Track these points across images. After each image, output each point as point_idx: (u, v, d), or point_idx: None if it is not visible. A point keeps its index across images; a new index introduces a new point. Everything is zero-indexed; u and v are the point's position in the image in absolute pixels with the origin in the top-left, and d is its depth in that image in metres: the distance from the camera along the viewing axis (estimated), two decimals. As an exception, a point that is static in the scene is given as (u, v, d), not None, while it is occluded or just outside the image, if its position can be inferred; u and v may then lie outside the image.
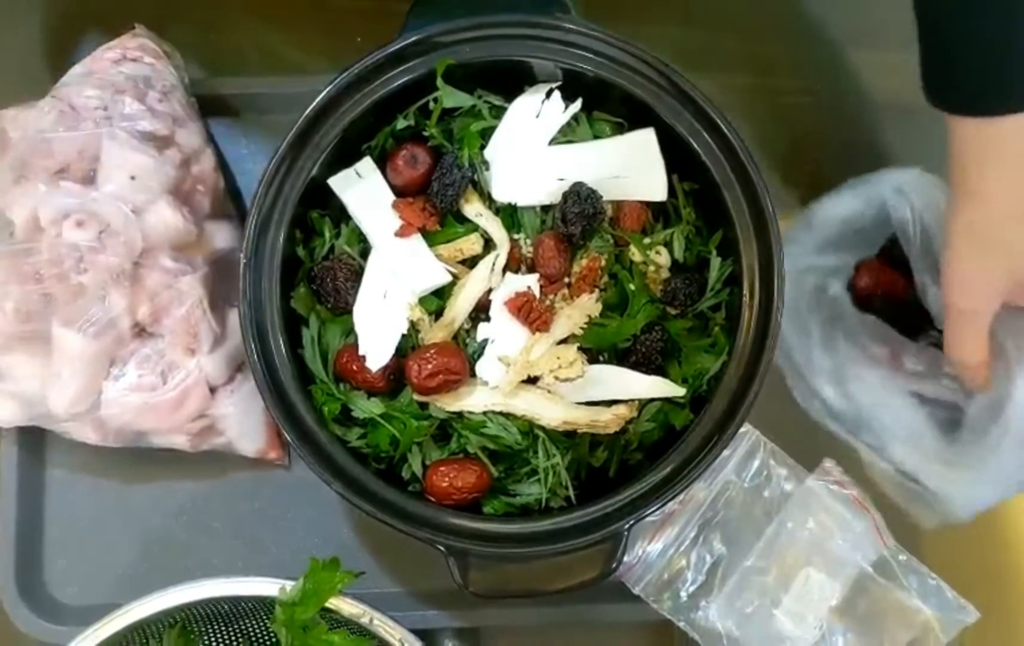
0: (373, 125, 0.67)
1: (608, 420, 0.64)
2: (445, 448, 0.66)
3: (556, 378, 0.64)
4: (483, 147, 0.67)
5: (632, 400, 0.65)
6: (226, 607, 0.62)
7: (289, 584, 0.58)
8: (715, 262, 0.66)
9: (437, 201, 0.66)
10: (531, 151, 0.67)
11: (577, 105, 0.68)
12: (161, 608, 0.58)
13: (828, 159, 0.73)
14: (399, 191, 0.68)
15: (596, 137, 0.69)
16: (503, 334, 0.65)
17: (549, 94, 0.67)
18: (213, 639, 0.64)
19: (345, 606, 0.58)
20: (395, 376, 0.65)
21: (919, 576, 0.72)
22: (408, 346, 0.65)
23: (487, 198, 0.68)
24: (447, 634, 0.74)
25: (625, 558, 0.69)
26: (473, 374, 0.65)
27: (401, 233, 0.66)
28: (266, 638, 0.66)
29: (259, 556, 0.73)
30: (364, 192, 0.67)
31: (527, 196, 0.67)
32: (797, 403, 0.73)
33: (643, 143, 0.67)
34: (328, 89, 0.63)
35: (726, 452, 0.69)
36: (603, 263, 0.67)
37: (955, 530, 0.69)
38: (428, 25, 0.64)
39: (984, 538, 0.76)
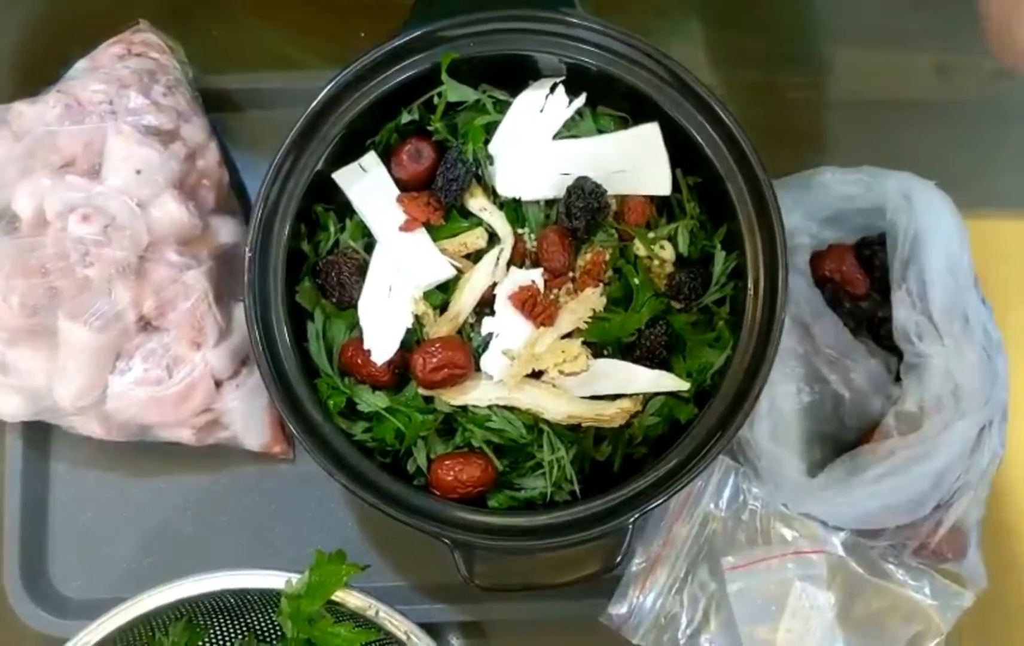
0: (377, 120, 0.67)
1: (613, 414, 0.64)
2: (450, 442, 0.66)
3: (561, 372, 0.64)
4: (487, 142, 0.67)
5: (636, 394, 0.65)
6: (232, 600, 0.62)
7: (295, 577, 0.58)
8: (719, 256, 0.66)
9: (441, 196, 0.66)
10: (535, 146, 0.67)
11: (581, 100, 0.68)
12: (168, 601, 0.58)
13: (829, 156, 0.73)
14: (403, 186, 0.68)
15: (600, 132, 0.69)
16: (507, 328, 0.65)
17: (553, 89, 0.67)
18: (218, 632, 0.64)
19: (351, 599, 0.58)
20: (400, 370, 0.65)
21: (908, 569, 0.72)
22: (413, 340, 0.65)
23: (491, 193, 0.68)
24: (451, 628, 0.74)
25: (621, 610, 0.70)
26: (478, 368, 0.65)
27: (405, 228, 0.66)
28: (271, 631, 0.66)
29: (264, 550, 0.74)
30: (368, 187, 0.67)
31: (531, 191, 0.67)
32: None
33: (647, 137, 0.67)
34: (333, 84, 0.63)
35: (699, 483, 0.70)
36: (607, 257, 0.67)
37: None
38: (432, 20, 0.64)
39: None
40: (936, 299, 0.67)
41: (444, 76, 0.65)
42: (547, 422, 0.64)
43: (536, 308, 0.65)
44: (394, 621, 0.58)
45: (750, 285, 0.64)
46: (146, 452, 0.73)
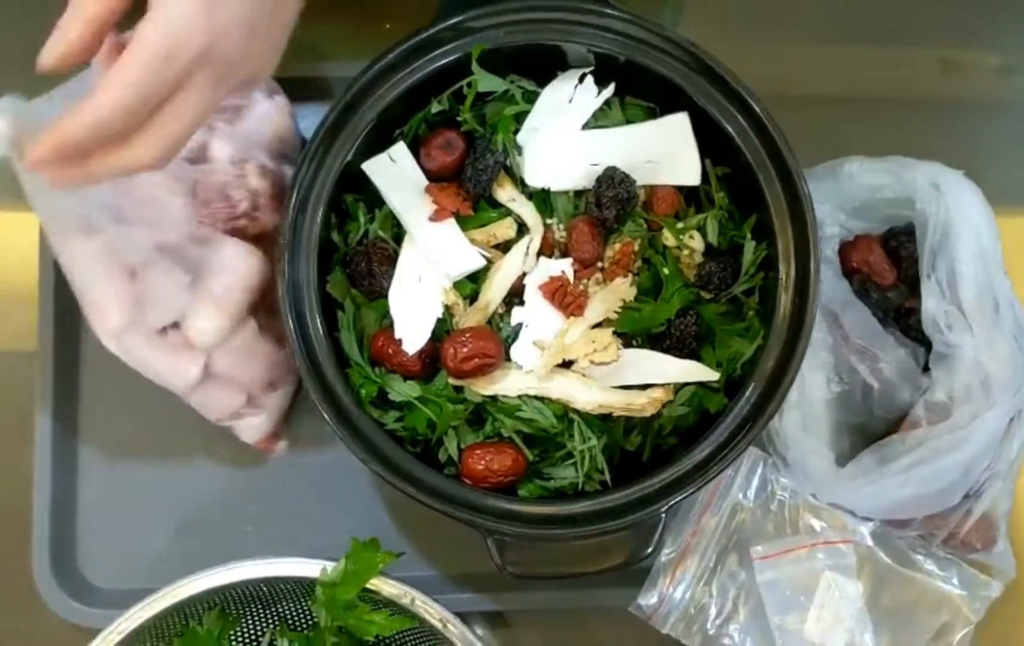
0: (406, 111, 0.67)
1: (644, 404, 0.64)
2: (479, 431, 0.66)
3: (591, 362, 0.64)
4: (516, 132, 0.68)
5: (668, 384, 0.65)
6: (264, 589, 0.62)
7: (330, 565, 0.58)
8: (749, 246, 0.66)
9: (470, 186, 0.66)
10: (564, 136, 0.67)
11: (610, 90, 0.68)
12: (202, 589, 0.58)
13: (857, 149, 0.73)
14: (432, 176, 0.68)
15: (628, 121, 0.69)
16: (537, 318, 0.65)
17: (582, 79, 0.67)
18: (251, 621, 0.65)
19: (385, 587, 0.58)
20: (430, 360, 0.65)
21: (937, 559, 0.72)
22: (442, 330, 0.65)
23: (520, 183, 0.68)
24: (475, 618, 0.74)
25: (651, 600, 0.70)
26: (507, 358, 0.65)
27: (435, 218, 0.66)
28: (302, 619, 0.66)
29: (293, 538, 0.73)
30: (398, 177, 0.67)
31: (560, 181, 0.67)
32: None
33: (677, 127, 0.67)
34: (366, 74, 0.63)
35: (728, 472, 0.70)
36: (636, 248, 0.67)
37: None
38: (461, 10, 0.64)
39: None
40: (966, 289, 0.67)
41: (475, 66, 0.65)
42: (577, 412, 0.64)
43: (566, 298, 0.65)
44: (429, 609, 0.58)
45: (781, 275, 0.64)
46: (175, 440, 0.74)
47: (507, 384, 0.65)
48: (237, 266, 0.63)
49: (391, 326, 0.65)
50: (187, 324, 0.63)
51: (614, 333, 0.65)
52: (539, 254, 0.67)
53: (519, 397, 0.65)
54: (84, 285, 0.63)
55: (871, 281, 0.73)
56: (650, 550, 0.62)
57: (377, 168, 0.67)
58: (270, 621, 0.66)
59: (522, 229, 0.67)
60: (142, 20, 0.47)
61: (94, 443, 0.75)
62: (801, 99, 0.80)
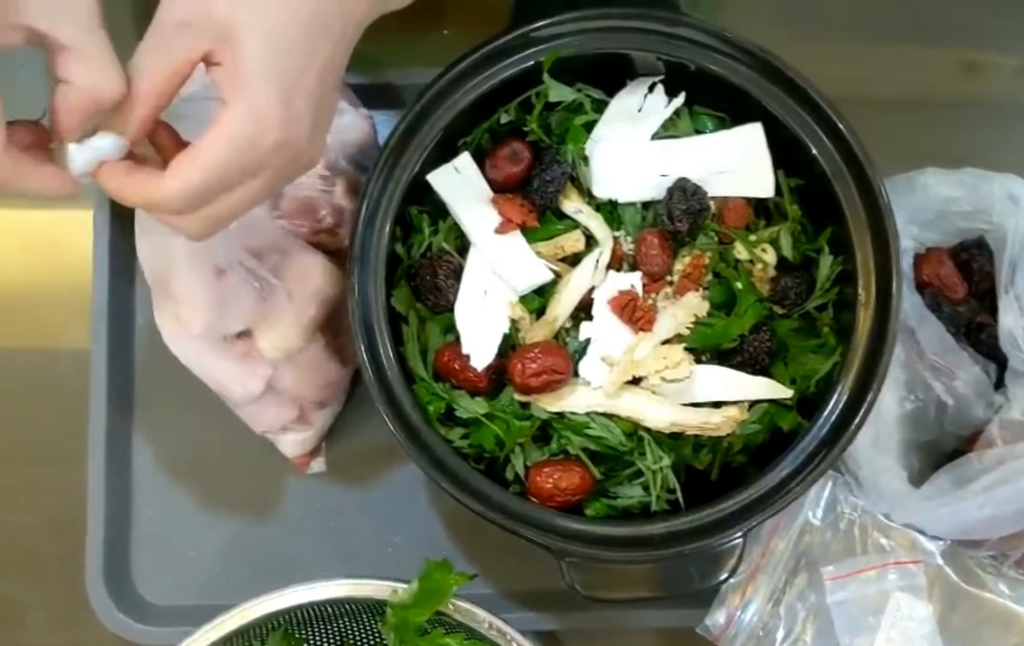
0: (471, 121, 0.66)
1: (720, 422, 0.62)
2: (545, 449, 0.64)
3: (662, 379, 0.62)
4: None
5: (743, 402, 0.63)
6: (329, 609, 0.61)
7: (401, 586, 0.57)
8: (825, 260, 0.64)
9: (537, 197, 0.65)
10: (632, 146, 0.66)
11: (680, 99, 0.66)
12: (274, 609, 0.57)
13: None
14: (497, 187, 0.66)
15: (698, 131, 0.67)
16: (606, 334, 0.64)
17: (652, 88, 0.66)
18: (314, 642, 0.63)
19: (457, 610, 0.57)
20: (496, 375, 0.64)
21: (1009, 580, 0.70)
22: (508, 345, 0.64)
23: (587, 194, 0.67)
24: (531, 637, 0.73)
25: (719, 620, 0.68)
26: (575, 374, 0.64)
27: (501, 229, 0.65)
28: (364, 638, 0.64)
29: (349, 557, 0.72)
30: (463, 188, 0.66)
31: (628, 192, 0.66)
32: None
33: (750, 138, 0.65)
34: (437, 83, 0.62)
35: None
36: (707, 261, 0.65)
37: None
38: (535, 18, 0.63)
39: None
40: (1045, 305, 0.66)
41: (546, 76, 0.64)
42: (647, 430, 0.63)
43: (635, 313, 0.64)
44: (505, 633, 0.56)
45: (860, 292, 0.62)
46: (228, 453, 0.73)
47: (575, 401, 0.63)
48: (315, 278, 0.62)
49: (456, 340, 0.64)
50: (260, 334, 0.61)
51: (684, 349, 0.63)
52: (607, 267, 0.65)
53: (587, 414, 0.63)
54: (174, 278, 0.62)
55: (942, 295, 0.72)
56: (725, 575, 0.60)
57: (442, 179, 0.65)
58: (331, 640, 0.64)
59: (589, 241, 0.66)
60: (221, 107, 0.46)
61: (147, 454, 0.74)
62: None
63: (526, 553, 0.62)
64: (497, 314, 0.64)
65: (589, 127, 0.66)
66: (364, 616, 0.63)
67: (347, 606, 0.61)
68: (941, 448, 0.71)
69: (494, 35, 0.63)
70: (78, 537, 0.70)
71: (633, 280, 0.65)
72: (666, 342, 0.64)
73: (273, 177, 0.49)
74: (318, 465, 0.73)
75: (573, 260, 0.66)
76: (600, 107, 0.67)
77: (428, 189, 0.65)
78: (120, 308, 0.73)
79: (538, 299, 0.65)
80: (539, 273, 0.64)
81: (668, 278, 0.66)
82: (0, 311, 0.77)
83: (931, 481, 0.67)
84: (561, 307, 0.64)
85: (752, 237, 0.66)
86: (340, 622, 0.64)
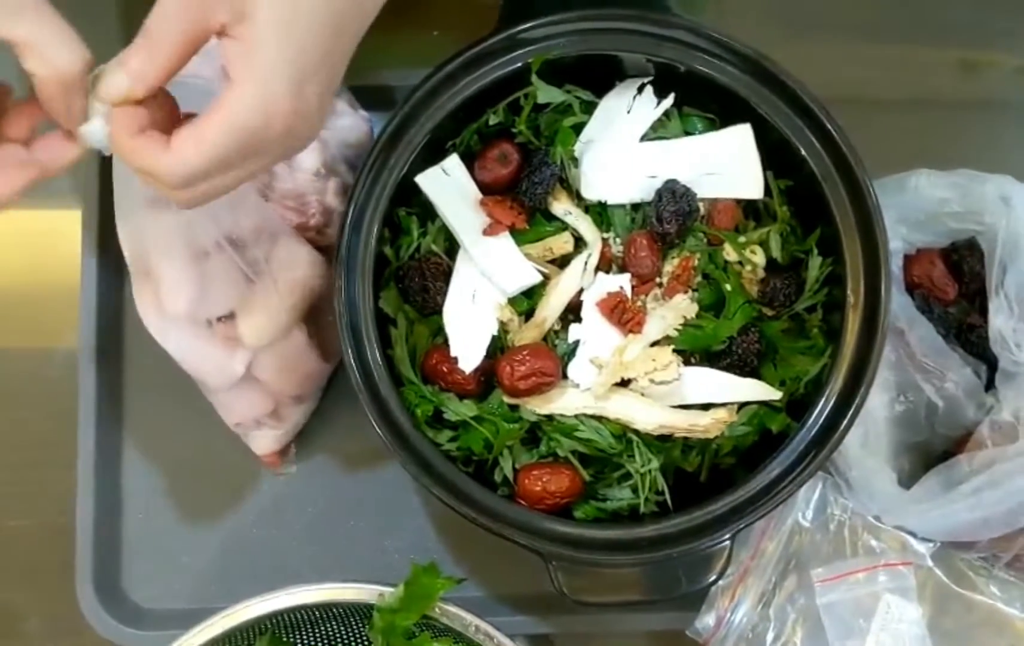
0: (460, 122, 0.66)
1: (708, 424, 0.62)
2: (534, 451, 0.64)
3: (651, 381, 0.62)
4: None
5: (731, 404, 0.63)
6: (317, 612, 0.61)
7: (387, 590, 0.57)
8: (814, 261, 0.64)
9: (526, 199, 0.65)
10: (622, 148, 0.66)
11: (669, 100, 0.66)
12: (260, 613, 0.57)
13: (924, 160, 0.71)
14: (486, 189, 0.66)
15: (687, 133, 0.67)
16: (595, 336, 0.64)
17: (641, 89, 0.66)
18: (301, 644, 0.63)
19: (444, 613, 0.57)
20: (484, 378, 0.64)
21: (1000, 582, 0.70)
22: (496, 347, 0.64)
23: (576, 196, 0.66)
24: (521, 640, 0.73)
25: (708, 622, 0.68)
26: (564, 376, 0.63)
27: (490, 231, 0.65)
28: (353, 642, 0.64)
29: (340, 561, 0.72)
30: (451, 190, 0.65)
31: (617, 194, 0.66)
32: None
33: (739, 139, 0.65)
34: (425, 85, 0.62)
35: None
36: (696, 263, 0.65)
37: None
38: (524, 19, 0.63)
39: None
40: (1035, 306, 0.66)
41: (534, 77, 0.63)
42: (636, 432, 0.63)
43: (624, 315, 0.64)
44: (493, 636, 0.56)
45: (849, 293, 0.62)
46: (222, 459, 0.72)
47: (564, 403, 0.63)
48: (301, 267, 0.62)
49: (444, 343, 0.64)
50: (242, 318, 0.61)
51: (673, 351, 0.63)
52: (596, 269, 0.65)
53: (576, 416, 0.63)
54: (151, 260, 0.61)
55: (933, 297, 0.71)
56: (714, 577, 0.60)
57: (430, 181, 0.65)
58: (319, 643, 0.64)
59: (578, 243, 0.66)
60: (228, 86, 0.45)
61: (137, 458, 0.73)
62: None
63: (515, 556, 0.61)
64: (486, 316, 0.64)
65: (578, 128, 0.66)
66: (352, 619, 0.63)
67: (335, 610, 0.61)
68: (931, 450, 0.71)
69: (482, 37, 0.63)
70: (70, 542, 0.70)
71: (622, 282, 0.64)
72: (655, 344, 0.64)
73: (273, 160, 0.49)
74: (288, 466, 0.73)
75: (562, 262, 0.66)
76: (589, 108, 0.67)
77: (416, 191, 0.65)
78: (109, 309, 0.73)
79: (527, 301, 0.65)
80: (528, 275, 0.64)
81: (657, 280, 0.65)
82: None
83: (921, 483, 0.67)
84: (550, 309, 0.64)
85: (741, 238, 0.66)
86: (328, 625, 0.64)
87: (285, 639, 0.62)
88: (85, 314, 0.72)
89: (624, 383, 0.63)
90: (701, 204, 0.65)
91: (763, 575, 0.68)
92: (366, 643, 0.62)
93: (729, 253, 0.66)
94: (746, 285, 0.66)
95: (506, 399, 0.63)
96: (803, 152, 0.63)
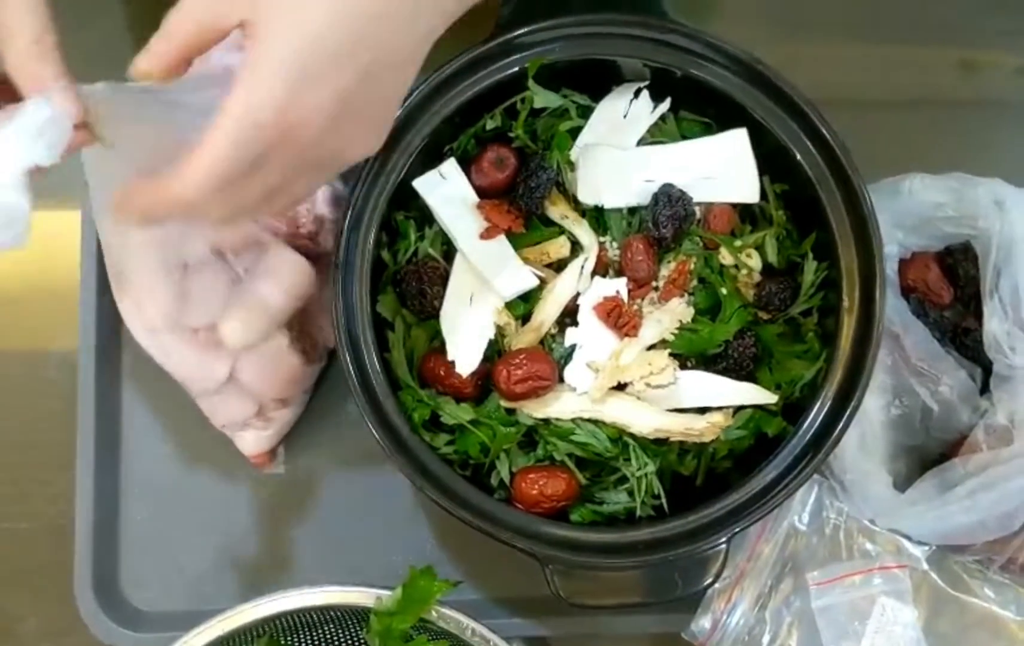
0: (457, 126, 0.66)
1: (703, 428, 0.62)
2: (531, 455, 0.64)
3: (647, 385, 0.63)
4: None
5: (727, 408, 0.63)
6: (315, 615, 0.61)
7: (384, 593, 0.57)
8: (810, 265, 0.64)
9: (523, 203, 0.65)
10: (618, 152, 0.66)
11: (666, 104, 0.66)
12: (258, 616, 0.57)
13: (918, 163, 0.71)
14: (483, 193, 0.66)
15: (684, 137, 0.67)
16: (591, 339, 0.64)
17: (637, 93, 0.66)
18: (299, 647, 0.63)
19: (441, 617, 0.57)
20: (481, 381, 0.64)
21: (994, 585, 0.70)
22: (493, 351, 0.64)
23: (572, 200, 0.67)
24: (517, 642, 0.73)
25: (704, 625, 0.68)
26: (561, 380, 0.64)
27: (487, 235, 0.65)
28: (347, 643, 0.65)
29: (340, 564, 0.72)
30: (448, 194, 0.66)
31: (614, 198, 0.66)
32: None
33: (735, 143, 0.65)
34: (422, 88, 0.62)
35: None
36: (692, 267, 0.65)
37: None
38: (523, 23, 0.63)
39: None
40: (1029, 309, 0.66)
41: (531, 82, 0.64)
42: (632, 436, 0.63)
43: (621, 319, 0.64)
44: (489, 640, 0.56)
45: (844, 298, 0.62)
46: (221, 462, 0.72)
47: (561, 407, 0.63)
48: (289, 274, 0.62)
49: (441, 347, 0.64)
50: (222, 321, 0.61)
51: (669, 354, 0.63)
52: (592, 273, 0.65)
53: (572, 420, 0.63)
54: (131, 271, 0.62)
55: (928, 300, 0.72)
56: (710, 580, 0.61)
57: (427, 185, 0.65)
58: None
59: (575, 247, 0.66)
60: (229, 96, 0.46)
61: (135, 461, 0.73)
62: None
63: (512, 559, 0.62)
64: (483, 320, 0.64)
65: (575, 133, 0.66)
66: (349, 622, 0.63)
67: (332, 613, 0.61)
68: (927, 453, 0.71)
69: (479, 41, 0.63)
70: (68, 543, 0.70)
71: (618, 286, 0.65)
72: (651, 348, 0.64)
73: (282, 171, 0.48)
74: (276, 467, 0.73)
75: (559, 266, 0.66)
76: (586, 113, 0.67)
77: (414, 195, 0.65)
78: (108, 310, 0.72)
79: (524, 305, 0.65)
80: (525, 279, 0.64)
81: (653, 284, 0.66)
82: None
83: (916, 486, 0.67)
84: (547, 313, 0.64)
85: (737, 242, 0.66)
86: (325, 628, 0.64)
87: (283, 642, 0.62)
88: (84, 314, 0.72)
89: (620, 387, 0.63)
90: (697, 208, 0.66)
91: (759, 578, 0.69)
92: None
93: (725, 257, 0.66)
94: (742, 289, 0.66)
95: (503, 403, 0.63)
96: (798, 157, 0.63)
